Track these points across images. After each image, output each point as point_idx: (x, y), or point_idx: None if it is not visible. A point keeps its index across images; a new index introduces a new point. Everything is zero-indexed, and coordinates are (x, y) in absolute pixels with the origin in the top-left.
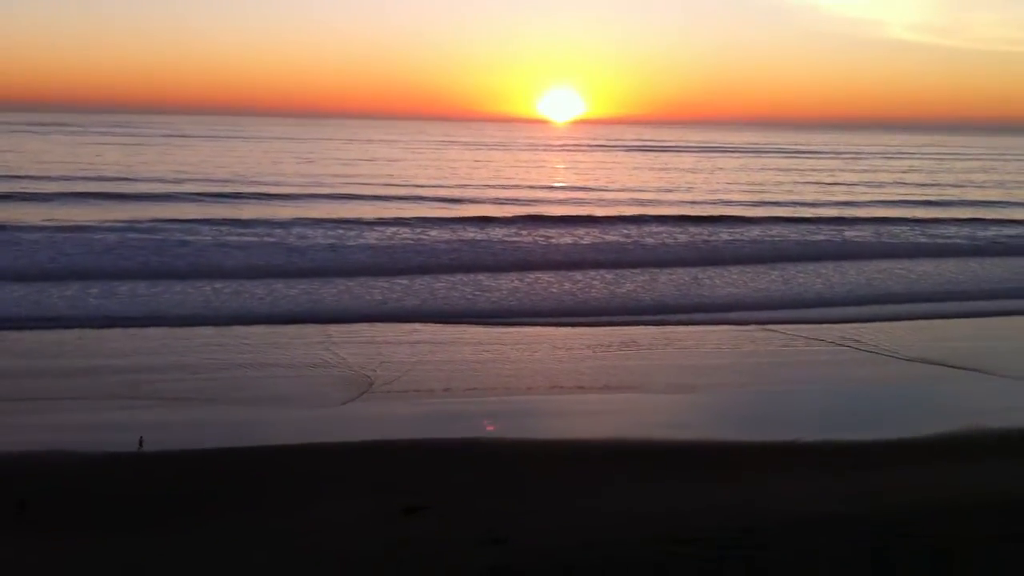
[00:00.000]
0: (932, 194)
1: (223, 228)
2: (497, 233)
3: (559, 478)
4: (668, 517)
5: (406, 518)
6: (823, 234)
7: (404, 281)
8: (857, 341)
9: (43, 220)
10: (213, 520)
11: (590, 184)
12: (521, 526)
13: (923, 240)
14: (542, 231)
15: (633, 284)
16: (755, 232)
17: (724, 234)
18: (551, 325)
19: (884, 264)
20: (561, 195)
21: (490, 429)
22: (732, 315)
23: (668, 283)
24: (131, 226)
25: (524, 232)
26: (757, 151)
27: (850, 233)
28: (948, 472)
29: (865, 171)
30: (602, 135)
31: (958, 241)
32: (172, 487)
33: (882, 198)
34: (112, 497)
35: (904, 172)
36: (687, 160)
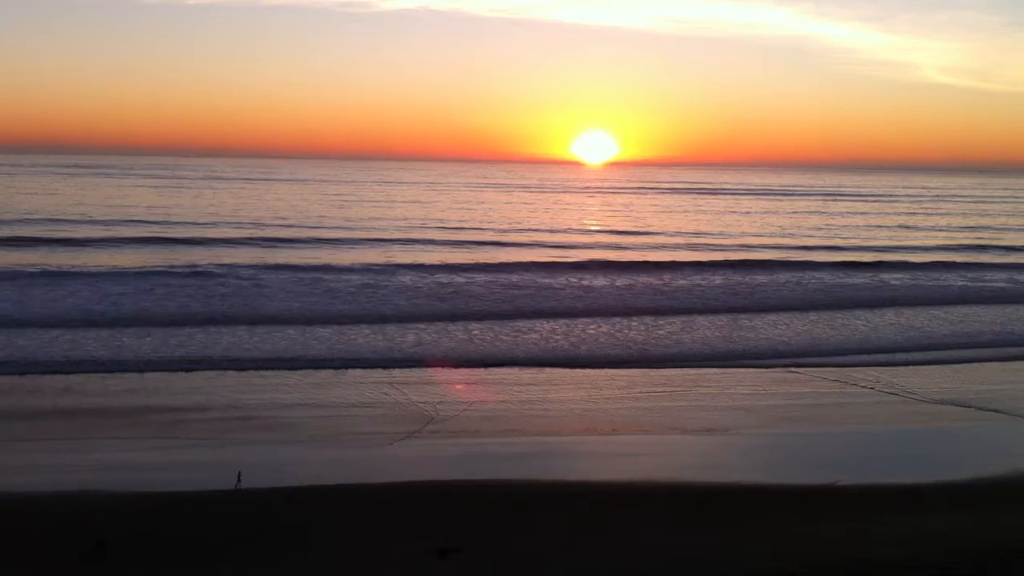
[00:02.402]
0: (970, 238)
1: (262, 272)
2: (533, 277)
3: (593, 519)
4: (703, 560)
5: (440, 560)
6: (860, 278)
7: (440, 324)
8: (892, 384)
9: (82, 264)
10: (254, 558)
11: (627, 228)
12: (555, 567)
13: (960, 284)
14: (579, 276)
15: (669, 328)
16: (793, 276)
17: (761, 278)
18: (587, 367)
19: (920, 309)
20: (598, 239)
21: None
22: (768, 359)
23: (703, 327)
24: (169, 270)
25: (561, 277)
26: (792, 193)
27: (887, 277)
28: (990, 517)
29: (901, 214)
30: (637, 177)
31: (997, 285)
32: (220, 526)
33: (918, 243)
34: (161, 537)
35: (941, 215)
36: (722, 203)
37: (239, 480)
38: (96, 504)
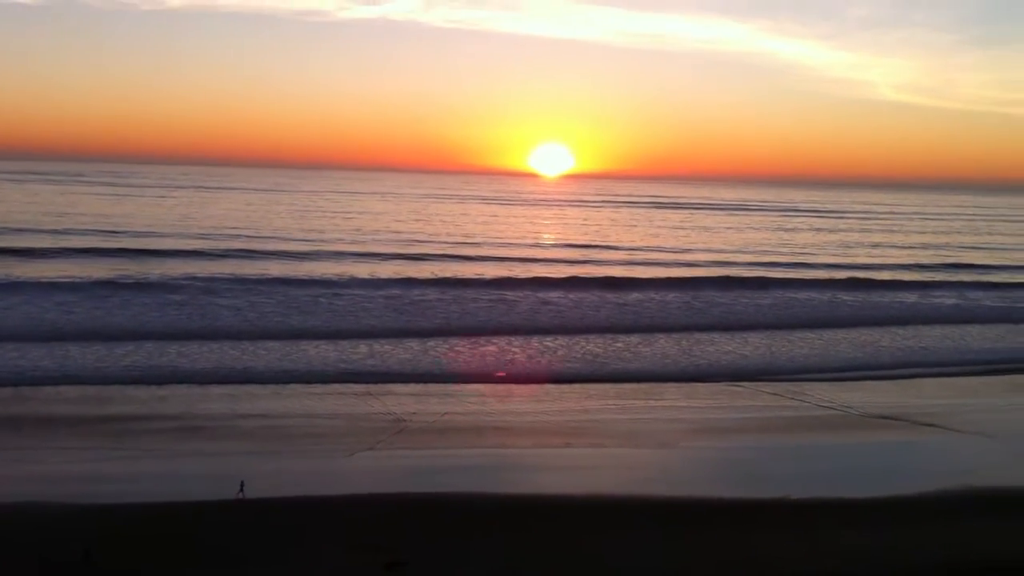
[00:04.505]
0: (923, 256)
1: (216, 283)
2: (491, 291)
3: (546, 533)
4: (653, 573)
5: (387, 574)
6: (813, 294)
7: (396, 338)
8: (837, 400)
9: (31, 275)
10: (205, 569)
11: (585, 242)
12: None
13: (911, 302)
14: (535, 290)
15: (623, 343)
16: (748, 294)
17: (716, 295)
18: (543, 382)
19: (872, 328)
20: (556, 254)
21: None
22: (719, 376)
23: (658, 344)
24: (120, 280)
25: (518, 291)
26: (747, 208)
27: (840, 294)
28: (939, 531)
29: (855, 231)
30: (594, 189)
31: (950, 302)
32: (163, 538)
33: (873, 260)
34: (103, 549)
35: (894, 232)
36: (678, 217)
37: (242, 489)
38: (41, 515)
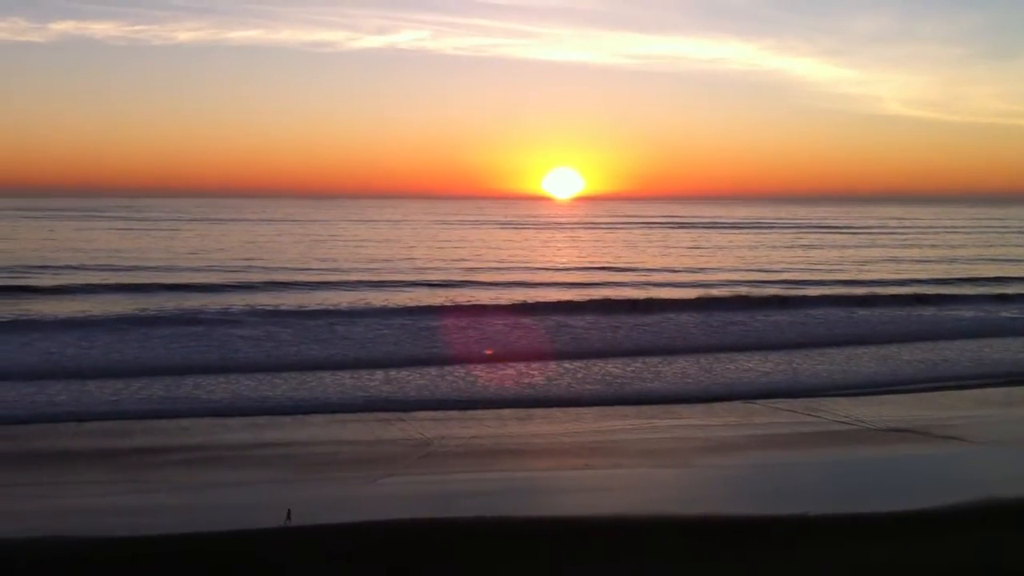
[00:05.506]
0: (939, 270)
1: (233, 315)
2: (509, 317)
3: (565, 554)
4: None
5: None
6: (831, 312)
7: (414, 366)
8: (853, 416)
9: (47, 312)
10: None
11: (602, 264)
12: None
13: (930, 315)
14: (557, 316)
15: (643, 364)
16: (766, 313)
17: (735, 315)
18: (561, 405)
19: (891, 345)
20: (572, 277)
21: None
22: (739, 393)
23: (675, 364)
24: (136, 315)
25: (536, 316)
26: (759, 226)
27: (859, 311)
28: (959, 544)
29: (868, 246)
30: (607, 211)
31: (969, 315)
32: (211, 568)
33: (888, 275)
34: None
35: (908, 247)
36: (691, 237)
37: (289, 517)
38: (67, 549)
